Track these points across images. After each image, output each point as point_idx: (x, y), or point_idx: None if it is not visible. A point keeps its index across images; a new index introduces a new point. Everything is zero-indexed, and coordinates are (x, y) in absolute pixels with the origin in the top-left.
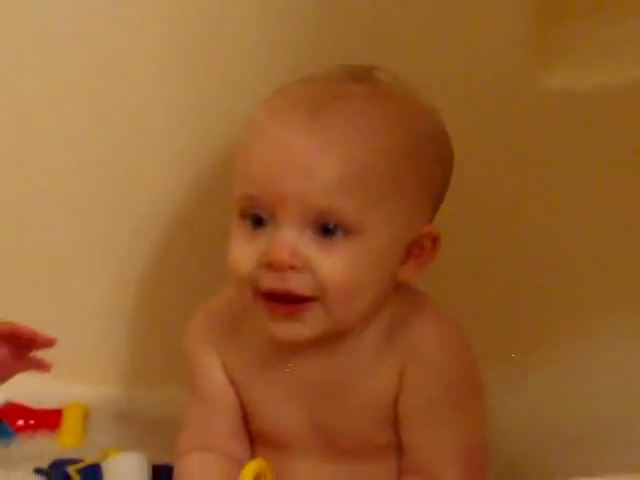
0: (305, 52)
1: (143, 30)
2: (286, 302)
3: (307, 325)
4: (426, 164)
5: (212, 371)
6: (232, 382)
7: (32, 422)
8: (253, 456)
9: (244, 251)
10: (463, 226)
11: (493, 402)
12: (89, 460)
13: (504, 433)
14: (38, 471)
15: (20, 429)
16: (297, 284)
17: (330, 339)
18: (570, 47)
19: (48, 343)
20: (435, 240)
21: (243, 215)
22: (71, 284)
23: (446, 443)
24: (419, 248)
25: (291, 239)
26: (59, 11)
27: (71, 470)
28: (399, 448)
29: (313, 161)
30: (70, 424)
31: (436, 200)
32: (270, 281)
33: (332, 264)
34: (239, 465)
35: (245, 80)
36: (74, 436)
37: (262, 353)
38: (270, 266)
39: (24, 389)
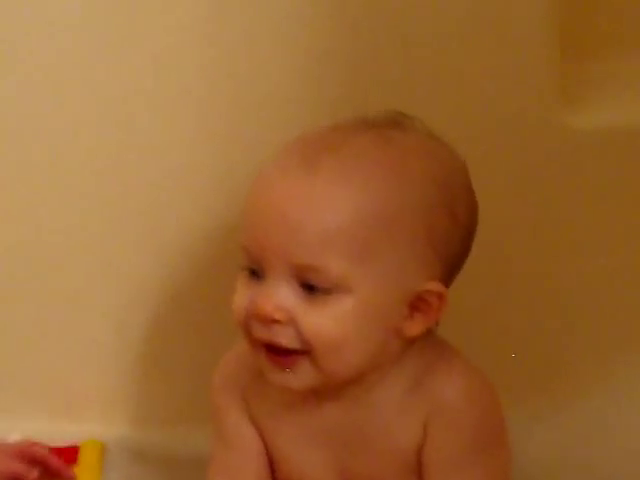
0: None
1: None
2: (278, 353)
3: (298, 377)
4: (426, 216)
5: (241, 421)
6: (258, 429)
7: None
8: None
9: (240, 300)
10: (484, 267)
11: (520, 439)
12: None
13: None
14: None
15: None
16: (283, 337)
17: (353, 387)
18: (594, 85)
19: (66, 475)
20: (441, 297)
21: (243, 266)
22: (86, 321)
23: None
24: (425, 304)
25: (275, 293)
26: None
27: None
28: None
29: (298, 215)
30: (87, 460)
31: (444, 253)
32: (258, 331)
33: (315, 320)
34: None
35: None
36: (92, 473)
37: (287, 400)
38: (256, 318)
39: (39, 427)
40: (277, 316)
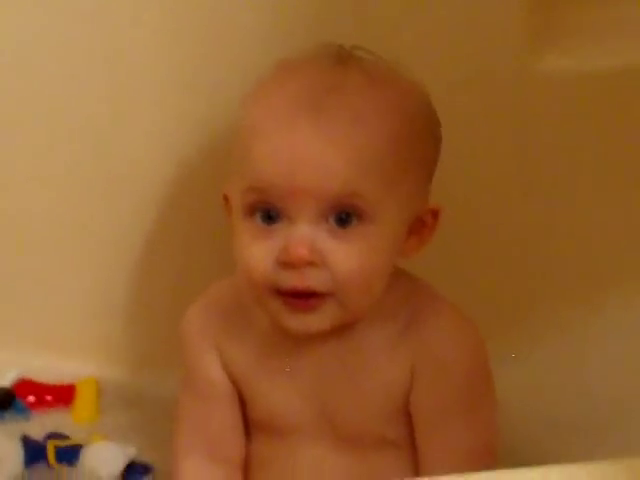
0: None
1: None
2: (303, 297)
3: (322, 317)
4: (423, 141)
5: (209, 367)
6: (231, 373)
7: (47, 398)
8: (253, 445)
9: (258, 249)
10: (461, 207)
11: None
12: (74, 440)
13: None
14: (23, 439)
15: (33, 405)
16: (315, 280)
17: (341, 328)
18: (563, 31)
19: None
20: (436, 214)
21: (251, 211)
22: (80, 263)
23: (458, 442)
24: (420, 224)
25: (308, 234)
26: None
27: (49, 444)
28: (412, 445)
29: (324, 151)
30: (83, 399)
31: (431, 173)
32: (289, 279)
33: (349, 255)
34: (234, 468)
35: (237, 64)
36: (88, 412)
37: (267, 342)
38: (289, 264)
39: (36, 365)
40: (313, 258)
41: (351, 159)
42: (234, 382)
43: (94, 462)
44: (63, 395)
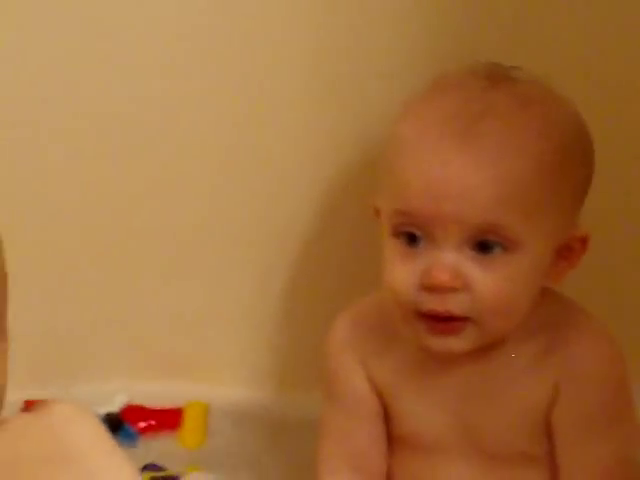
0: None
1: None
2: (443, 320)
3: (462, 340)
4: (575, 167)
5: (355, 379)
6: (377, 388)
7: (153, 422)
8: (395, 461)
9: (402, 271)
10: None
11: None
12: (170, 472)
13: None
14: None
15: (142, 430)
16: (455, 305)
17: (484, 347)
18: None
19: None
20: (584, 241)
21: (396, 232)
22: (188, 285)
23: (599, 456)
24: (568, 250)
25: (451, 260)
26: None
27: (144, 476)
28: (552, 461)
29: (470, 179)
30: (192, 423)
31: (582, 200)
32: (430, 303)
33: (491, 283)
34: None
35: (384, 76)
36: (196, 436)
37: (412, 358)
38: (431, 288)
39: (144, 390)
40: (455, 283)
41: (497, 189)
42: (378, 396)
43: None
44: (171, 419)
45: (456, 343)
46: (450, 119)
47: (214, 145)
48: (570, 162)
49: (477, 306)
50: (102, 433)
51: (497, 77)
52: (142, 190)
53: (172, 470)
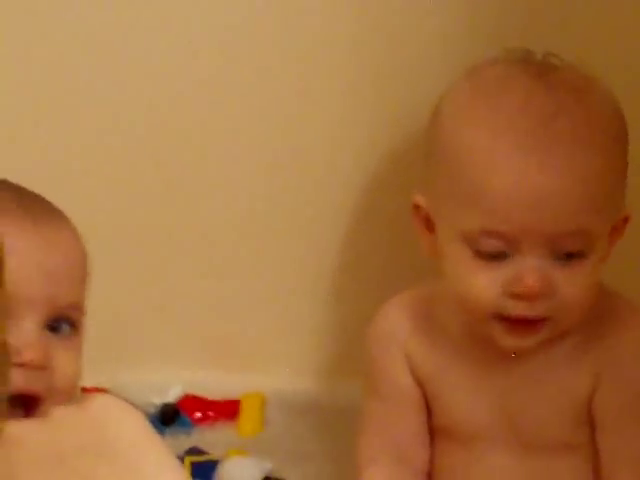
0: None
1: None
2: (527, 322)
3: (538, 337)
4: (626, 149)
5: (398, 370)
6: (420, 379)
7: (211, 414)
8: (435, 452)
9: (484, 278)
10: None
11: None
12: (211, 456)
13: None
14: None
15: (198, 421)
16: (543, 309)
17: None
18: None
19: None
20: (626, 221)
21: (479, 249)
22: (244, 272)
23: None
24: (614, 231)
25: (540, 268)
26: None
27: (186, 460)
28: (592, 450)
29: (563, 187)
30: (248, 413)
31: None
32: (520, 309)
33: (575, 285)
34: (419, 474)
35: (426, 70)
36: (253, 427)
37: (457, 350)
38: (521, 296)
39: (200, 381)
40: (545, 290)
41: (585, 190)
42: (421, 387)
43: (230, 477)
44: (227, 410)
45: (532, 340)
46: (522, 125)
47: (254, 144)
48: (623, 146)
49: (562, 308)
50: (144, 426)
51: (544, 70)
52: (187, 182)
53: (214, 454)
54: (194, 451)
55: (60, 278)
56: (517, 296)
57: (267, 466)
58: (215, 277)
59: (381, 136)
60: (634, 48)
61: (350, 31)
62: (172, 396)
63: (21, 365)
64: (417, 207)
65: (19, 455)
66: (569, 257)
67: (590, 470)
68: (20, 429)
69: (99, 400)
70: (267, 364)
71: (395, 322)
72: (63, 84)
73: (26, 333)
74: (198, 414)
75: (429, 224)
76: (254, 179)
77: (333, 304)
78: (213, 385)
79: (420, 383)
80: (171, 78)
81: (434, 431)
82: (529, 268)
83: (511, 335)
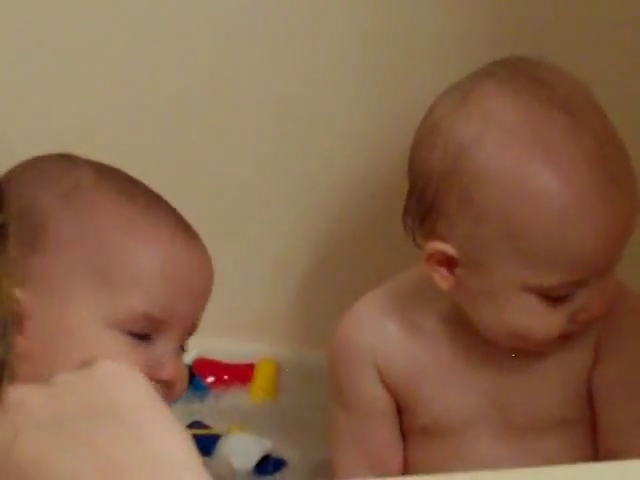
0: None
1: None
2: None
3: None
4: None
5: (369, 384)
6: (392, 384)
7: (225, 377)
8: (419, 451)
9: (554, 318)
10: None
11: None
12: (213, 430)
13: None
14: None
15: (212, 385)
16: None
17: None
18: None
19: None
20: None
21: (551, 295)
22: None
23: None
24: None
25: (606, 292)
26: None
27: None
28: (586, 426)
29: (624, 229)
30: (262, 379)
31: None
32: (570, 328)
33: (606, 299)
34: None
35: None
36: (266, 391)
37: (436, 344)
38: (585, 322)
39: (214, 345)
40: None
41: (631, 228)
42: (394, 393)
43: (229, 453)
44: (241, 374)
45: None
46: (590, 174)
47: (253, 144)
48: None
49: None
50: (148, 390)
51: (568, 108)
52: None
53: (216, 429)
54: (196, 425)
55: (203, 301)
56: (580, 323)
57: (267, 444)
58: (228, 245)
59: (381, 136)
60: (628, 53)
61: (348, 31)
62: (186, 359)
63: (157, 380)
64: (431, 257)
65: (23, 419)
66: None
67: (586, 445)
68: (23, 394)
69: (104, 365)
70: (281, 333)
71: (361, 330)
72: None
73: (170, 351)
74: (211, 378)
75: (450, 264)
76: (252, 177)
77: (348, 276)
78: (228, 350)
79: (393, 389)
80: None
81: (415, 430)
82: (595, 297)
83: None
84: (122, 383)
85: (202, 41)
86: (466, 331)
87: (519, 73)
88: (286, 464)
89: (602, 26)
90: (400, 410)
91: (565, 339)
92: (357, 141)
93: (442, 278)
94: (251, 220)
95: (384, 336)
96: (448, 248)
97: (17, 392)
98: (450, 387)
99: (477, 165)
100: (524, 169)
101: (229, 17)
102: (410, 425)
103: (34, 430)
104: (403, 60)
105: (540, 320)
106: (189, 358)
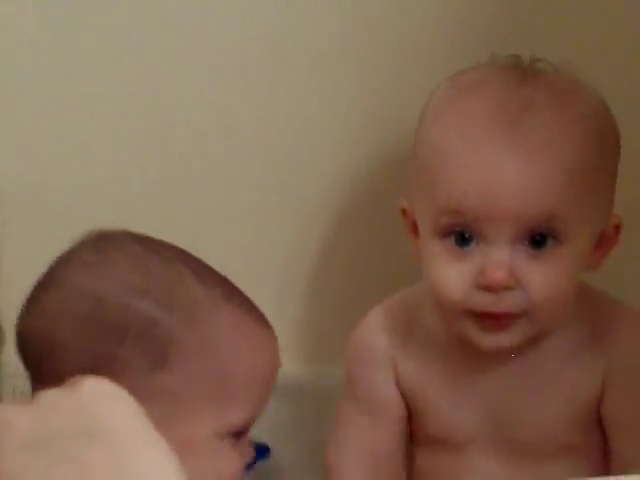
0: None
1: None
2: (496, 317)
3: (514, 335)
4: (611, 153)
5: (384, 385)
6: (405, 390)
7: None
8: (419, 461)
9: (453, 271)
10: None
11: None
12: None
13: None
14: None
15: None
16: (511, 303)
17: (528, 340)
18: None
19: None
20: (618, 229)
21: (444, 233)
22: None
23: None
24: (603, 238)
25: (506, 257)
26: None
27: None
28: (591, 450)
29: (524, 174)
30: None
31: (615, 187)
32: (485, 302)
33: (546, 277)
34: None
35: (416, 72)
36: None
37: (448, 357)
38: (487, 287)
39: None
40: (511, 282)
41: (549, 181)
42: (407, 398)
43: None
44: None
45: (508, 339)
46: (492, 114)
47: (251, 143)
48: (607, 149)
49: (533, 301)
50: (134, 409)
51: (527, 70)
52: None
53: None
54: None
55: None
56: (483, 288)
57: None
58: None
59: (380, 136)
60: (626, 52)
61: (345, 31)
62: None
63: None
64: (404, 211)
65: (7, 439)
66: (538, 245)
67: (592, 468)
68: (8, 413)
69: (89, 384)
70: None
71: (378, 334)
72: (63, 83)
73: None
74: None
75: (415, 227)
76: (248, 176)
77: (335, 285)
78: None
79: (404, 394)
80: (173, 76)
81: (420, 439)
82: (493, 258)
83: (484, 332)
84: (107, 402)
85: (202, 41)
86: (470, 350)
87: (512, 65)
88: (271, 451)
89: (602, 26)
90: (410, 417)
91: (495, 325)
92: (357, 144)
93: (412, 245)
94: (241, 232)
95: (398, 344)
96: (403, 202)
97: (3, 412)
98: (457, 401)
99: (419, 123)
100: (441, 118)
101: (229, 17)
102: (420, 434)
103: (19, 450)
104: (400, 62)
105: (445, 271)
106: None
